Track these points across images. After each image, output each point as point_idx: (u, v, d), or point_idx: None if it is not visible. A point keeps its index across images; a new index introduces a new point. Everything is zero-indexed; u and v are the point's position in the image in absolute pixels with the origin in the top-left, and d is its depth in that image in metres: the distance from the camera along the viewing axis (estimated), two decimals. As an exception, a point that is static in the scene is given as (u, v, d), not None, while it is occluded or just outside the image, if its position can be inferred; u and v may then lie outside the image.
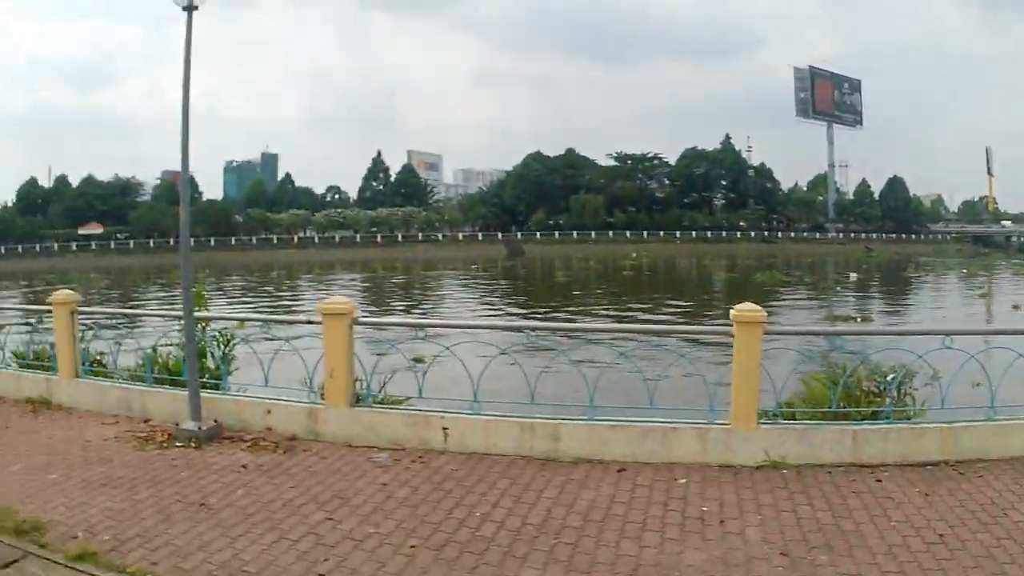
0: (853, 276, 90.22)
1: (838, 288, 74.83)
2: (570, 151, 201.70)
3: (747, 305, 11.39)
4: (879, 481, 10.32)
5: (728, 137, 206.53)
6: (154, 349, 14.85)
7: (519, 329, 14.95)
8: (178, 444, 12.21)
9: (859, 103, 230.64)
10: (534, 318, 45.83)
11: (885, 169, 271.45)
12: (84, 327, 15.67)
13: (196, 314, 13.69)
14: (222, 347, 14.88)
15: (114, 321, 16.69)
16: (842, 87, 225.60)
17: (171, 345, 15.07)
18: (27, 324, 17.33)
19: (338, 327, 12.41)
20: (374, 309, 56.75)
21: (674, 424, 11.39)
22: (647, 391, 11.87)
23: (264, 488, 10.30)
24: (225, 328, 15.55)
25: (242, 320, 14.89)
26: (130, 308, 33.05)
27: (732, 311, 11.26)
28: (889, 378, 12.65)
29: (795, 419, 11.78)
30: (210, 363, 14.73)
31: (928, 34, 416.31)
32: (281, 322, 16.03)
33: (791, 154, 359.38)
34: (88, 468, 11.23)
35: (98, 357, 15.76)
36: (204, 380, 13.73)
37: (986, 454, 11.07)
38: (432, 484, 10.41)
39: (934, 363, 11.92)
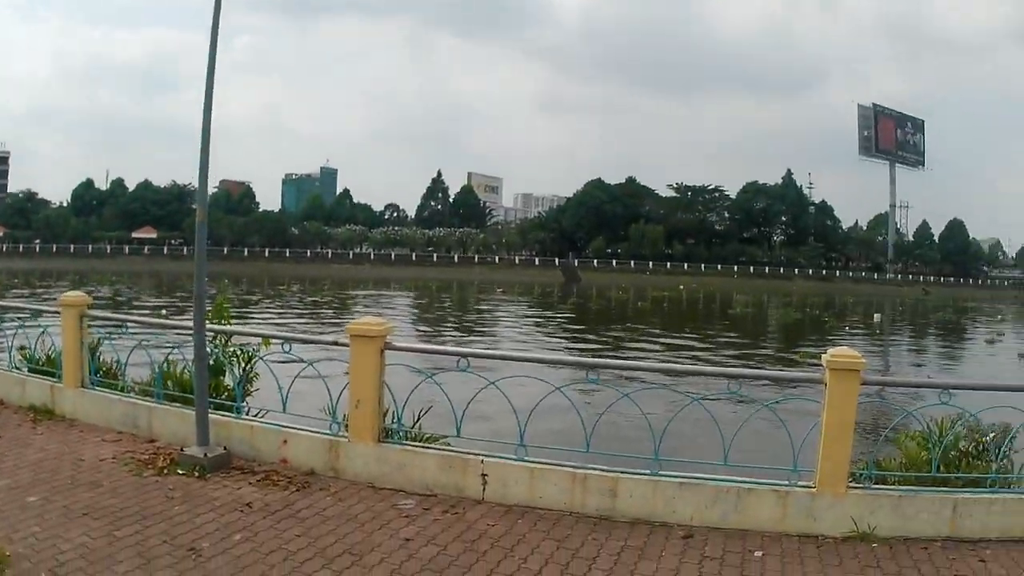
0: (877, 317, 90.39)
1: (847, 328, 73.26)
2: (631, 180, 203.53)
3: (843, 350, 9.93)
4: (983, 562, 8.87)
5: (790, 172, 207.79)
6: (167, 361, 13.39)
7: (578, 365, 13.17)
8: (180, 471, 10.79)
9: (922, 143, 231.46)
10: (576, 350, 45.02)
11: (945, 211, 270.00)
12: (106, 334, 14.45)
13: (211, 327, 12.41)
14: (242, 365, 13.25)
15: (135, 328, 15.22)
16: (905, 126, 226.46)
17: (190, 359, 13.47)
18: (39, 326, 15.90)
19: (368, 351, 10.91)
20: (423, 330, 55.75)
21: (750, 485, 9.90)
22: (721, 444, 10.23)
23: (266, 534, 8.81)
24: (247, 344, 13.93)
25: (265, 337, 13.31)
26: (147, 315, 31.33)
27: (826, 356, 9.84)
28: (989, 437, 11.25)
29: (887, 483, 10.29)
30: (228, 381, 13.18)
31: (993, 75, 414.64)
32: (305, 341, 14.35)
33: (852, 192, 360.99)
34: (73, 492, 9.90)
35: (113, 366, 14.37)
36: (220, 400, 12.45)
37: None
38: (464, 543, 8.86)
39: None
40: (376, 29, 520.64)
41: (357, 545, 8.61)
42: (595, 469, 10.21)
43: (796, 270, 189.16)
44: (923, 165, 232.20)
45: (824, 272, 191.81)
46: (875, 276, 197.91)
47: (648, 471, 10.08)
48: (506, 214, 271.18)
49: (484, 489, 10.39)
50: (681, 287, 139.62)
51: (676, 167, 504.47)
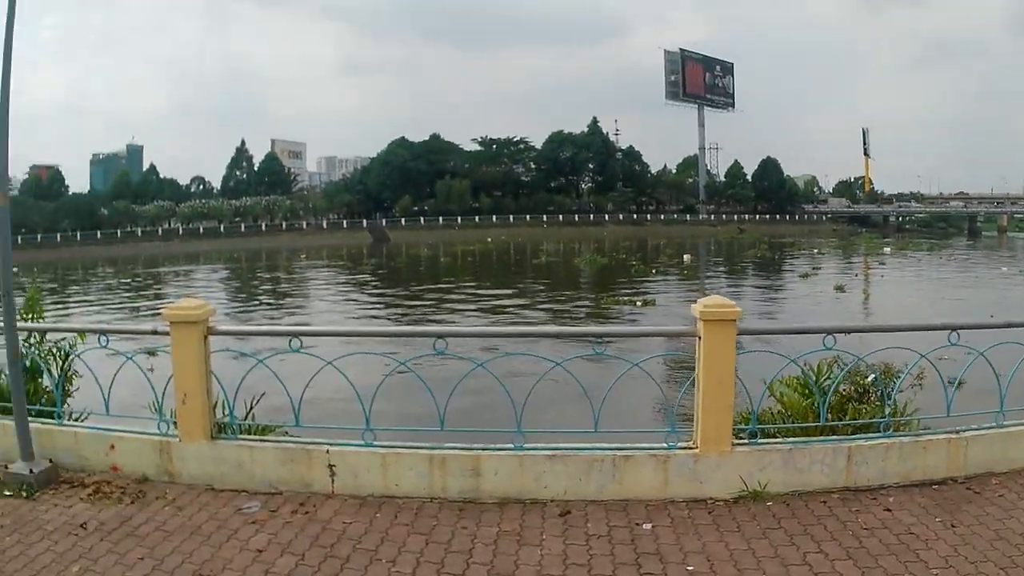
0: (687, 258, 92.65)
1: (653, 271, 74.56)
2: (435, 136, 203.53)
3: (716, 299, 9.31)
4: (888, 511, 8.64)
5: (595, 120, 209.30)
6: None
7: (424, 335, 11.55)
8: (7, 493, 9.55)
9: (731, 86, 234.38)
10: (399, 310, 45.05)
11: (761, 152, 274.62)
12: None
13: (23, 325, 11.34)
14: (60, 364, 11.94)
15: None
16: (714, 70, 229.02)
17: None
18: None
19: (190, 338, 9.75)
20: (236, 307, 54.36)
21: (626, 451, 9.19)
22: (591, 411, 9.49)
23: (106, 560, 7.70)
24: (63, 339, 12.57)
25: (80, 331, 12.21)
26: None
27: (697, 307, 9.18)
28: (869, 379, 11.20)
29: (773, 437, 9.83)
30: (47, 383, 11.91)
31: (803, 18, 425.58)
32: (123, 332, 13.21)
33: (663, 137, 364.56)
34: None
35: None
36: (40, 406, 11.16)
37: (995, 467, 9.68)
38: (322, 548, 7.93)
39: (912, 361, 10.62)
40: (174, 0, 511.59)
41: (207, 564, 7.61)
42: (454, 448, 9.40)
43: (607, 216, 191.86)
44: (733, 107, 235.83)
45: (635, 217, 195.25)
46: (688, 218, 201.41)
47: (512, 445, 9.32)
48: (311, 179, 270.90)
49: (333, 481, 9.45)
50: (489, 240, 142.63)
51: (483, 121, 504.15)
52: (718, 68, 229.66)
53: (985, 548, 7.70)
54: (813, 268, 76.51)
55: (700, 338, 9.08)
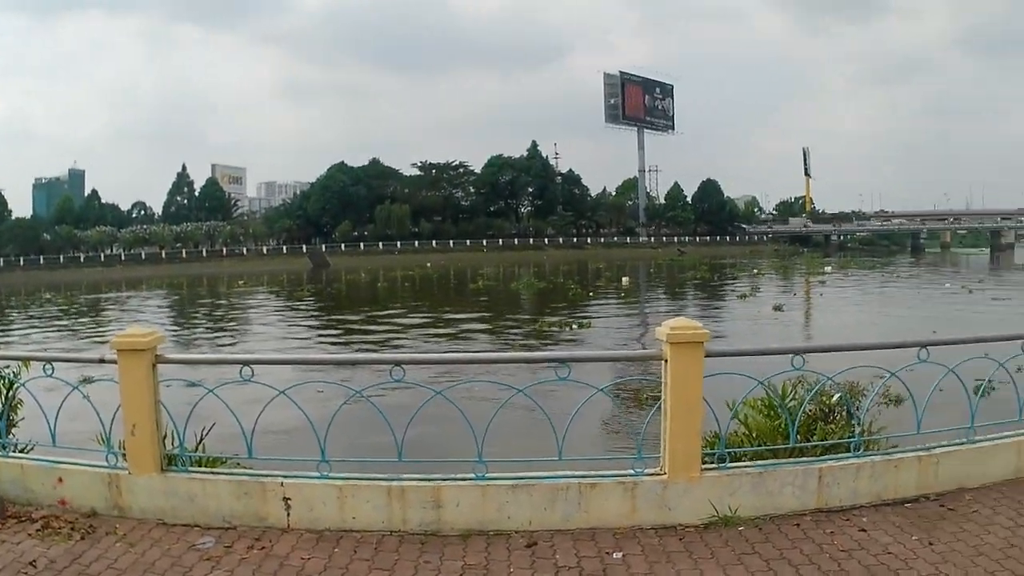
0: (625, 280, 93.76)
1: (590, 294, 74.87)
2: (375, 161, 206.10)
3: (682, 321, 9.14)
4: (863, 531, 8.53)
5: (535, 144, 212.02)
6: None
7: (381, 363, 11.14)
8: (-43, 531, 9.20)
9: (671, 108, 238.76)
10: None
11: (701, 173, 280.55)
12: None
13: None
14: (3, 393, 11.75)
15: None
16: (654, 92, 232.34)
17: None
18: None
19: (138, 367, 9.40)
20: (176, 333, 53.57)
21: (592, 479, 9.00)
22: (554, 438, 9.23)
23: (58, 603, 7.36)
24: (7, 367, 12.32)
25: (24, 359, 11.91)
26: None
27: (663, 328, 8.96)
28: (835, 398, 11.14)
29: (741, 460, 9.64)
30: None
31: (746, 39, 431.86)
32: (69, 360, 13.01)
33: (604, 160, 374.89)
34: None
35: None
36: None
37: (967, 482, 9.75)
38: (282, 590, 7.59)
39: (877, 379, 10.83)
40: (118, 25, 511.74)
41: (165, 608, 7.29)
42: (413, 480, 9.11)
43: (547, 240, 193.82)
44: (673, 129, 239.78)
45: (575, 240, 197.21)
46: (628, 240, 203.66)
47: (474, 475, 9.08)
48: (251, 204, 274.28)
49: (289, 515, 9.11)
50: (428, 265, 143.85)
51: (424, 146, 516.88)
52: (658, 90, 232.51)
53: (966, 565, 7.62)
54: (752, 289, 77.02)
55: (667, 361, 8.91)
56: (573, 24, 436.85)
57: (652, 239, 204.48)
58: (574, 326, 46.67)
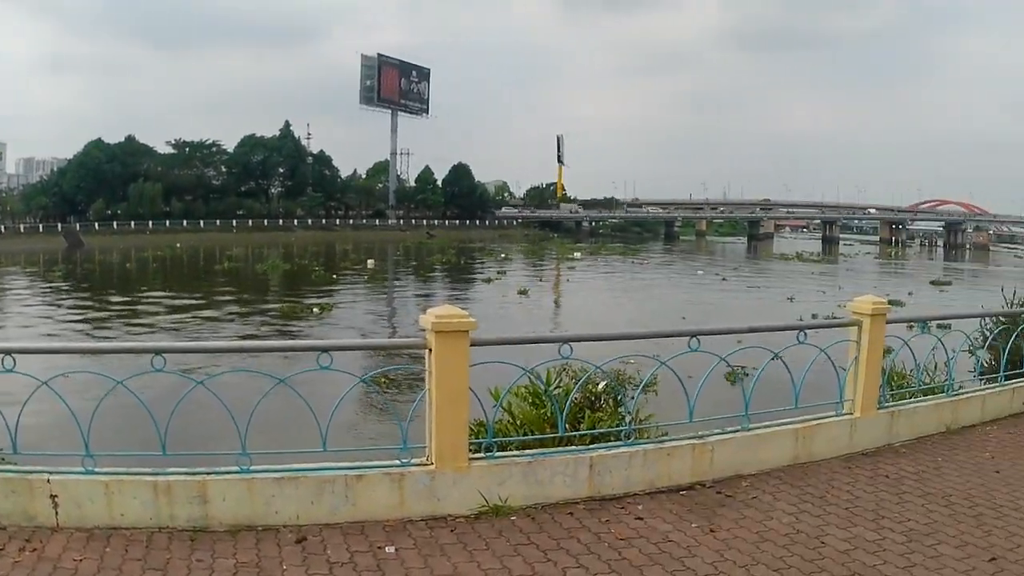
0: (371, 263, 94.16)
1: (335, 277, 75.74)
2: (130, 138, 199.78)
3: (447, 309, 9.07)
4: (640, 519, 8.70)
5: (288, 124, 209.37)
6: None
7: (142, 351, 10.33)
8: None
9: (427, 91, 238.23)
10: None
11: (454, 157, 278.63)
12: None
13: None
14: None
15: None
16: (410, 75, 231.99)
17: None
18: None
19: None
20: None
21: (359, 471, 8.87)
22: (318, 429, 9.06)
23: None
24: None
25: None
26: None
27: (428, 317, 8.92)
28: (600, 387, 11.31)
29: (509, 450, 9.74)
30: None
31: (506, 26, 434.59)
32: None
33: (358, 141, 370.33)
34: None
35: None
36: None
37: (743, 468, 10.23)
38: (54, 594, 7.21)
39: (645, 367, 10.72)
40: None
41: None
42: (179, 474, 8.79)
43: (296, 221, 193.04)
44: (427, 113, 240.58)
45: (324, 222, 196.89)
46: (377, 223, 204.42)
47: (239, 468, 8.84)
48: (9, 180, 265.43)
49: (57, 513, 8.65)
50: (178, 245, 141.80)
51: (182, 125, 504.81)
52: (414, 74, 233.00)
53: (751, 551, 7.80)
54: (499, 272, 78.65)
55: (431, 350, 8.86)
56: (334, 5, 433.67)
57: (401, 222, 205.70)
58: (315, 309, 47.15)
